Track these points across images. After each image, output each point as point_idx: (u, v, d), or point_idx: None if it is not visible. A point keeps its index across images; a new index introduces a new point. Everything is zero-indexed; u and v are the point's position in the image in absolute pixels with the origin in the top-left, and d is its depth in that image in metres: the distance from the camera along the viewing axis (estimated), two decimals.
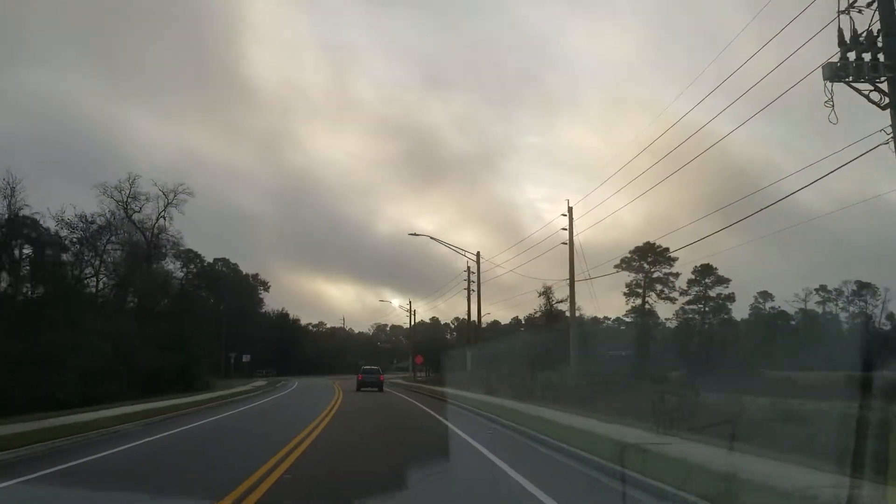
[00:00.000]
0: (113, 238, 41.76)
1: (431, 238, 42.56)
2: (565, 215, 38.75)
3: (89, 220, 39.69)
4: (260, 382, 59.78)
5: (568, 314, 52.94)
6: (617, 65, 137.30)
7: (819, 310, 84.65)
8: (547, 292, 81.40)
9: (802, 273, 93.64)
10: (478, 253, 41.30)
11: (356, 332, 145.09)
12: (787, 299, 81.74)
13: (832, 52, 11.94)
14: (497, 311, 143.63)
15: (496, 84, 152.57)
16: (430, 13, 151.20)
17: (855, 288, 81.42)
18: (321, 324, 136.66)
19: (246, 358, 65.28)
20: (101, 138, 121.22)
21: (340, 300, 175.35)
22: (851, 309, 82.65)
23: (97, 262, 39.44)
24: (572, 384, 35.08)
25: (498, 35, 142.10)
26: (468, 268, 65.00)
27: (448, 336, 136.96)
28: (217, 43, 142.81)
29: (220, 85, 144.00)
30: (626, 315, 75.47)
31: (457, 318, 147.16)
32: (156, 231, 48.44)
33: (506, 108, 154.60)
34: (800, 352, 57.38)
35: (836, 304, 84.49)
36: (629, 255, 69.08)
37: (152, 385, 35.19)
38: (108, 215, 42.14)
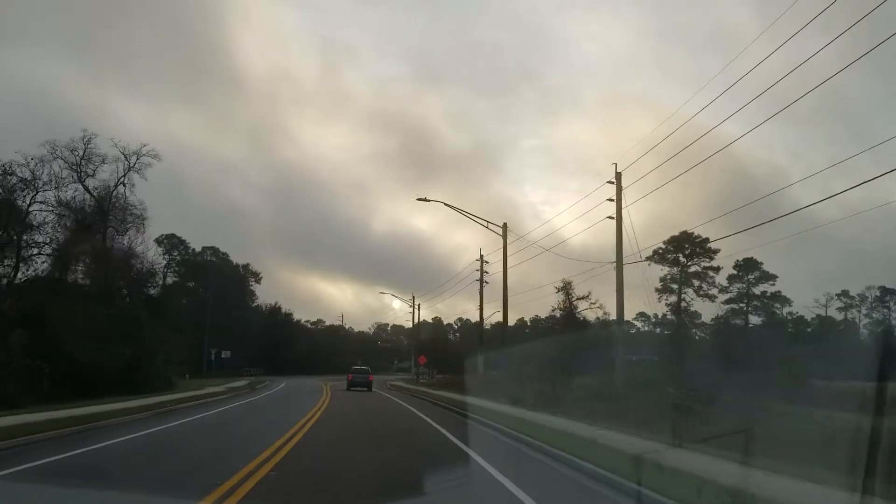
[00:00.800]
0: (42, 198, 33.85)
1: (446, 205, 34.71)
2: (611, 182, 31.03)
3: (6, 170, 31.66)
4: (239, 383, 51.94)
5: (588, 313, 45.56)
6: (617, 57, 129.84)
7: (839, 316, 77.33)
8: (566, 288, 73.73)
9: (821, 278, 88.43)
10: (504, 225, 33.28)
11: (356, 330, 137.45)
12: (806, 305, 74.57)
13: None
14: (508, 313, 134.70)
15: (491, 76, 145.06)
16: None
17: (878, 294, 74.06)
18: (319, 321, 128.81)
19: (226, 354, 57.38)
20: (82, 126, 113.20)
21: (339, 299, 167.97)
22: (875, 315, 75.57)
23: (16, 227, 31.41)
24: (622, 395, 27.39)
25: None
26: (481, 256, 57.36)
27: (451, 337, 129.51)
28: (205, 29, 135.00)
29: (209, 74, 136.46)
30: (643, 315, 67.49)
31: (459, 319, 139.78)
32: (112, 199, 40.46)
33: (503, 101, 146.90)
34: (821, 360, 50.40)
35: (860, 311, 77.20)
36: (663, 247, 61.07)
37: (86, 385, 27.27)
38: (31, 165, 33.97)
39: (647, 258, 62.38)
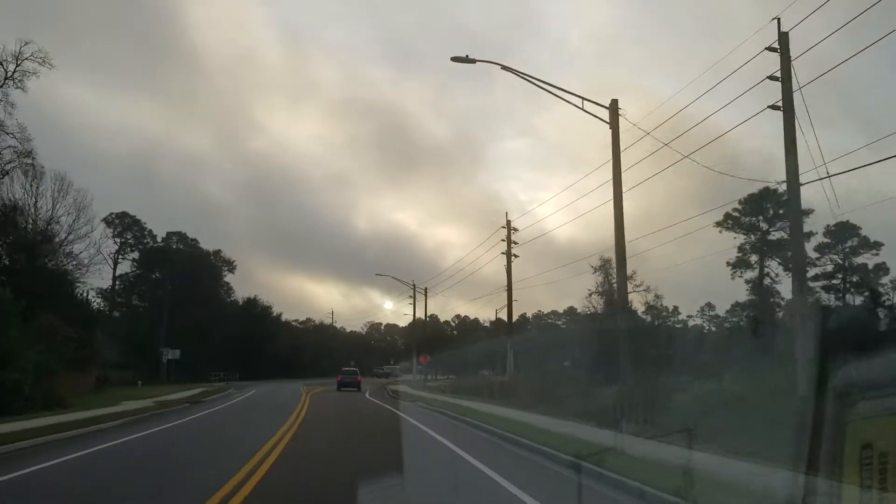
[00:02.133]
0: None
1: (499, 65, 20.68)
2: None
3: None
4: (189, 392, 38.29)
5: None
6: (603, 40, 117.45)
7: None
8: (605, 266, 60.28)
9: None
10: (613, 102, 19.28)
11: (348, 330, 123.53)
12: None
13: None
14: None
15: None
16: None
17: None
18: (308, 320, 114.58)
19: (172, 355, 43.58)
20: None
21: (326, 299, 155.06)
22: None
23: None
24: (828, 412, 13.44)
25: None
26: (508, 223, 44.09)
27: (453, 334, 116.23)
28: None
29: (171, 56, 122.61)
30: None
31: (457, 317, 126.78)
32: None
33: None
34: None
35: None
36: (739, 207, 47.81)
37: None
38: None
39: (717, 223, 49.02)
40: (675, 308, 60.51)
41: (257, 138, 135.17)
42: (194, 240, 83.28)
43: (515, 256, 44.08)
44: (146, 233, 72.45)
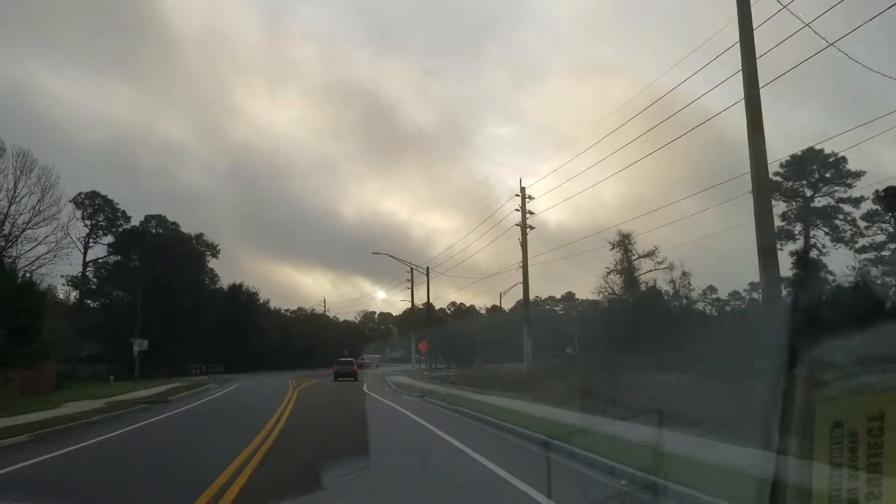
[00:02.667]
0: None
1: None
2: None
3: None
4: (153, 390, 32.78)
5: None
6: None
7: None
8: (624, 242, 55.48)
9: None
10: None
11: (341, 319, 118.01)
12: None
13: None
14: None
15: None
16: None
17: None
18: (300, 310, 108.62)
19: (141, 346, 37.95)
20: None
21: (318, 289, 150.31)
22: None
23: None
24: None
25: None
26: (522, 189, 38.72)
27: (456, 323, 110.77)
28: None
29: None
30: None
31: (453, 304, 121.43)
32: None
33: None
34: None
35: None
36: (782, 171, 42.46)
37: None
38: None
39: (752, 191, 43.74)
40: (710, 288, 55.53)
41: (237, 126, 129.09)
42: (175, 223, 77.22)
43: (531, 228, 38.61)
44: (119, 214, 66.17)
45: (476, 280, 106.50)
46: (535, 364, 37.76)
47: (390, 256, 57.65)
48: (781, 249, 44.21)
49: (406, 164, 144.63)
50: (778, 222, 43.25)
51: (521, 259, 38.04)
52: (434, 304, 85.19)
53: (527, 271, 38.18)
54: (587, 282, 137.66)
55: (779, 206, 42.98)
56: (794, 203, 43.08)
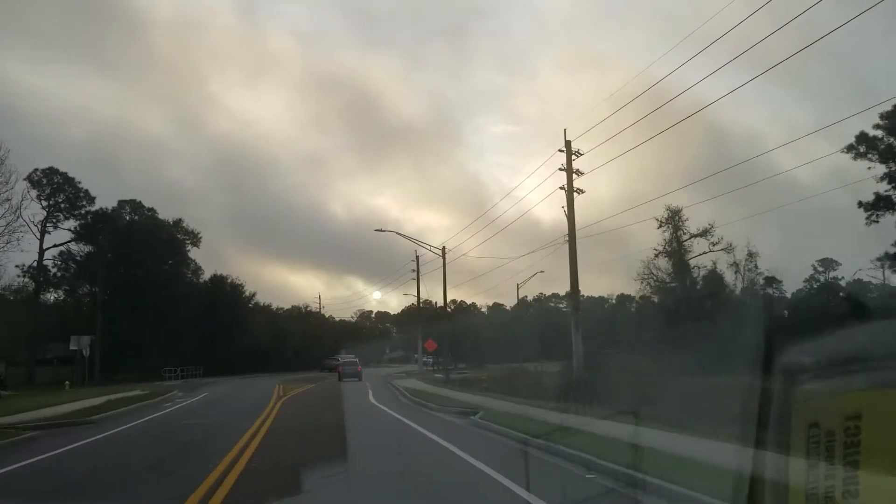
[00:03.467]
0: None
1: None
2: None
3: None
4: (92, 401, 24.55)
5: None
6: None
7: None
8: (674, 219, 47.44)
9: None
10: None
11: (337, 319, 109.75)
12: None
13: None
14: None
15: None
16: None
17: None
18: (293, 308, 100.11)
19: (78, 345, 29.71)
20: None
21: (310, 289, 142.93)
22: None
23: None
24: None
25: None
26: (567, 143, 30.87)
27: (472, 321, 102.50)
28: None
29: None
30: None
31: (453, 301, 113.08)
32: None
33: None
34: None
35: None
36: (880, 123, 34.51)
37: None
38: None
39: (847, 148, 35.80)
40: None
41: (219, 119, 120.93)
42: (151, 209, 68.75)
43: (580, 192, 30.41)
44: (82, 195, 57.63)
45: (497, 266, 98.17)
46: (583, 367, 29.41)
47: (397, 234, 50.56)
48: (876, 221, 36.19)
49: (395, 159, 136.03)
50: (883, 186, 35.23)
51: (566, 231, 29.84)
52: (431, 301, 76.94)
53: (574, 247, 29.97)
54: (613, 276, 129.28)
55: (877, 168, 34.98)
56: (892, 165, 35.07)
